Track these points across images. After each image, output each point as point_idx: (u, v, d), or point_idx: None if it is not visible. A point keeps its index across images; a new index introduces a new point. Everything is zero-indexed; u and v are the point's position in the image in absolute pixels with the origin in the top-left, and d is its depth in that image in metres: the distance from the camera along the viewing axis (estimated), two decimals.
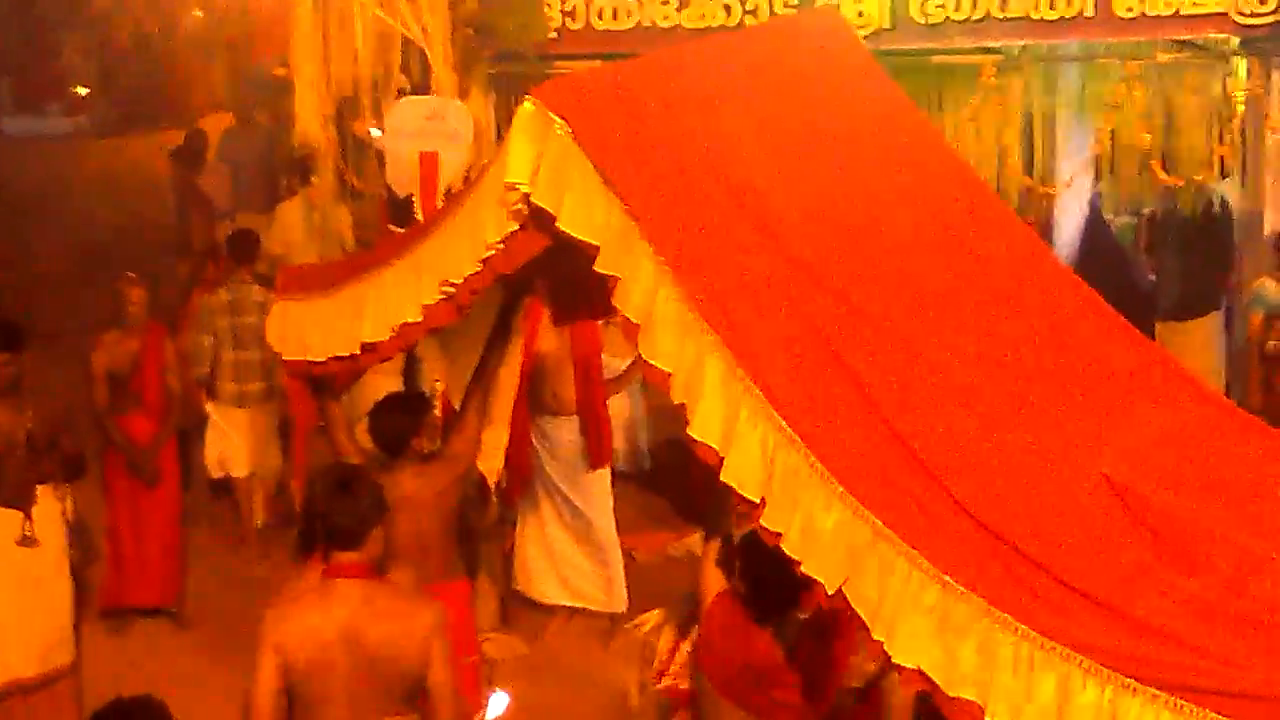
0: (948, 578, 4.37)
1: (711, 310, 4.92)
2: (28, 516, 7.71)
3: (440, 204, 9.54)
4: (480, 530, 9.18)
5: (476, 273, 5.61)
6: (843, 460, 4.63)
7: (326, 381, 6.83)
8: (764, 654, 5.40)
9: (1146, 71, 10.00)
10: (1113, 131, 10.23)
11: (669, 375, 4.96)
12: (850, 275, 5.19)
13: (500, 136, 9.85)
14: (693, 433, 4.86)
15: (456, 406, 7.49)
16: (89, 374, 9.47)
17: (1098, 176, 11.01)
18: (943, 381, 4.96)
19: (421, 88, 9.94)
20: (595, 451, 9.04)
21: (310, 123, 10.32)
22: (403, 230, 9.65)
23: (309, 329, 6.42)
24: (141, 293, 9.71)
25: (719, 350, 4.84)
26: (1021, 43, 10.14)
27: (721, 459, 4.79)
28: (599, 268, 5.17)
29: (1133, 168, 10.36)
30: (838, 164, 5.62)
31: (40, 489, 7.94)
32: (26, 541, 7.72)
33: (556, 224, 5.25)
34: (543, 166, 5.25)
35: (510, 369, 7.16)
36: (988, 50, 10.13)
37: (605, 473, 9.21)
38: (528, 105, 5.31)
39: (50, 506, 7.98)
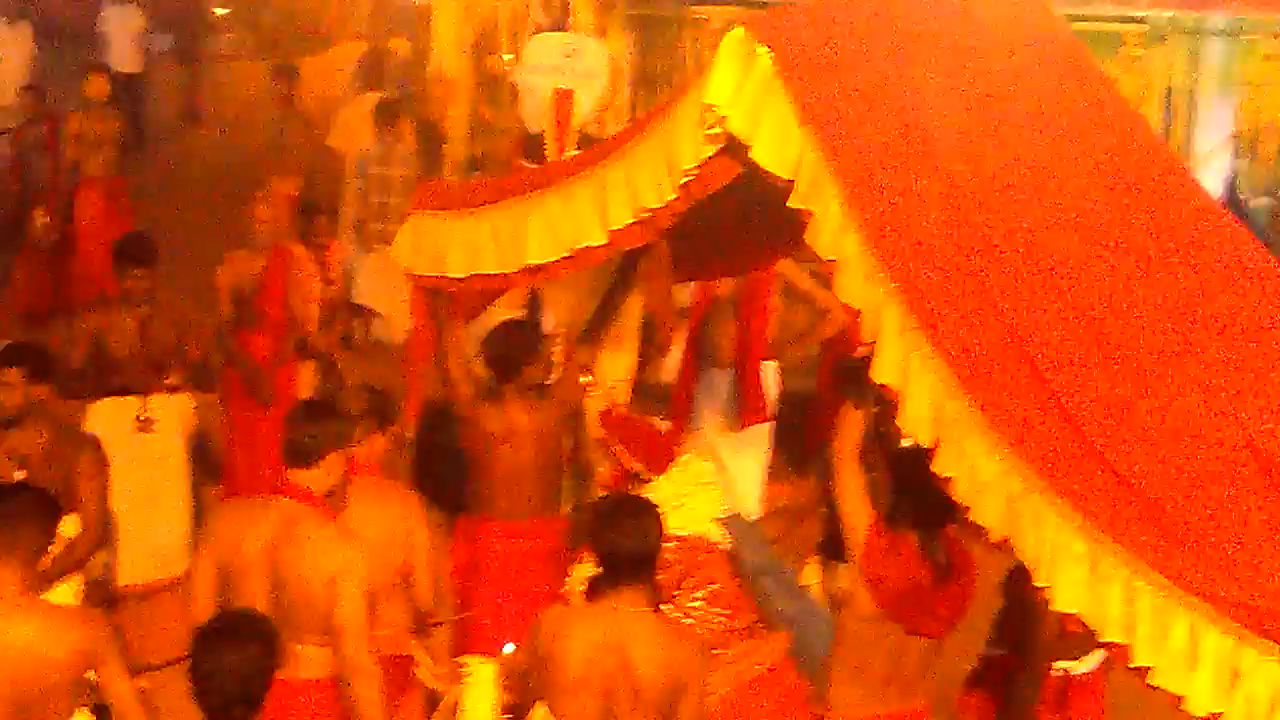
0: (1093, 528, 4.46)
1: (890, 258, 4.94)
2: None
3: (573, 143, 9.62)
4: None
5: (675, 198, 5.56)
6: (1002, 411, 4.70)
7: (451, 308, 6.81)
8: (925, 572, 5.45)
9: None
10: (1255, 110, 10.07)
11: (859, 313, 5.00)
12: (1022, 233, 5.21)
13: (636, 77, 9.91)
14: (875, 374, 4.91)
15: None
16: (214, 290, 9.58)
17: (1236, 155, 10.85)
18: (1102, 340, 5.01)
19: (560, 25, 9.93)
20: (746, 408, 8.90)
21: (447, 54, 10.35)
22: (533, 166, 9.75)
23: (449, 245, 6.35)
24: (269, 212, 9.78)
25: (895, 297, 4.87)
26: (1168, 14, 9.99)
27: (900, 401, 4.86)
28: (792, 203, 5.15)
29: (1273, 148, 10.20)
30: (1022, 122, 5.56)
31: (165, 397, 8.08)
32: (144, 425, 7.83)
33: (750, 154, 5.23)
34: (743, 94, 5.22)
35: (632, 314, 7.10)
36: (1132, 19, 10.00)
37: (760, 430, 8.94)
38: (737, 31, 5.29)
39: (174, 414, 8.11)
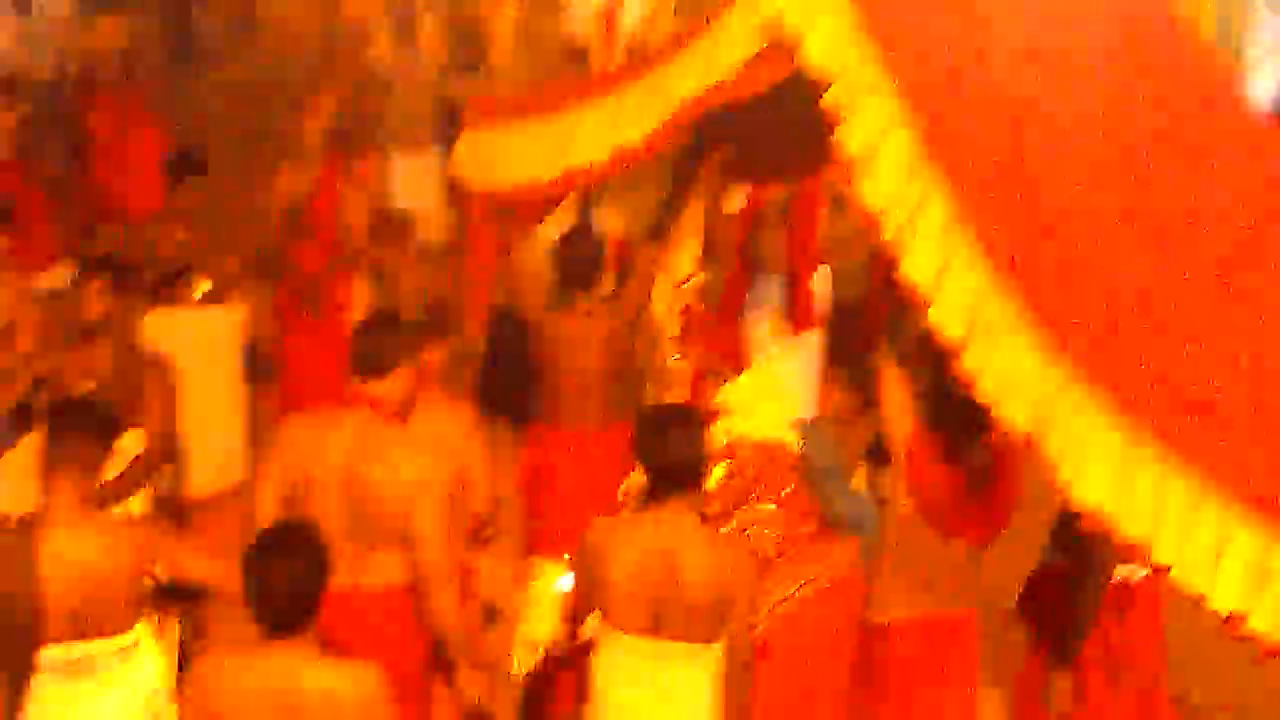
0: (1130, 423, 4.49)
1: (942, 154, 4.95)
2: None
3: (620, 57, 9.59)
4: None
5: (711, 91, 5.59)
6: (1041, 307, 4.72)
7: (512, 217, 6.81)
8: (967, 480, 5.52)
9: None
10: None
11: (882, 211, 4.99)
12: (1075, 139, 5.23)
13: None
14: (907, 272, 4.91)
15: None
16: (267, 202, 9.60)
17: None
18: (1151, 241, 5.04)
19: None
20: (797, 314, 8.82)
21: None
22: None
23: (503, 155, 6.41)
24: (318, 124, 9.79)
25: (943, 193, 4.87)
26: None
27: (929, 300, 4.87)
28: (827, 100, 5.16)
29: None
30: (1086, 52, 5.56)
31: (218, 309, 8.15)
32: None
33: (800, 47, 5.23)
34: None
35: (694, 218, 7.12)
36: None
37: (811, 337, 8.85)
38: None
39: (227, 325, 8.19)
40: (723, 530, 5.92)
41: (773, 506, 6.08)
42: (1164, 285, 4.94)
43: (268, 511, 5.50)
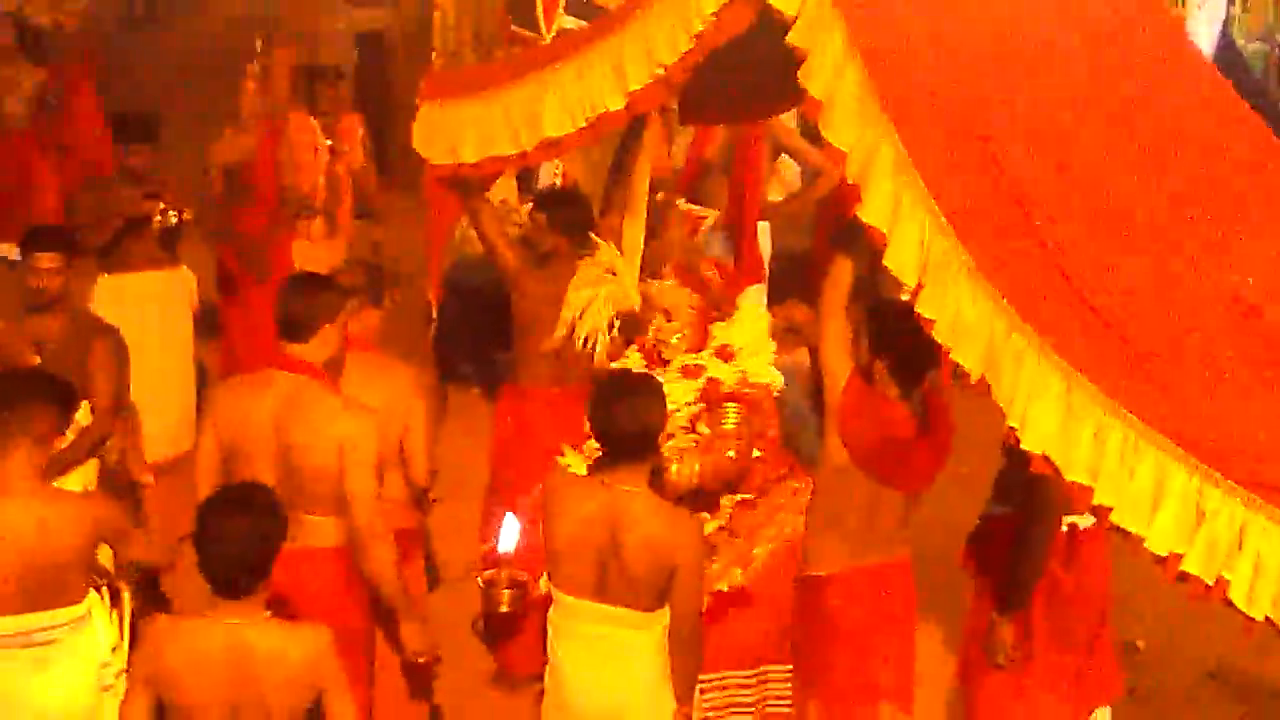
0: (1071, 368, 4.51)
1: (891, 96, 4.96)
2: None
3: (562, 7, 9.52)
4: None
5: (690, 49, 5.57)
6: (989, 254, 4.74)
7: (471, 184, 6.79)
8: (902, 425, 5.56)
9: None
10: None
11: (845, 155, 5.01)
12: (1022, 91, 5.25)
13: None
14: (863, 215, 4.92)
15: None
16: (205, 165, 9.55)
17: (1229, 2, 10.76)
18: (1094, 193, 5.05)
19: None
20: (742, 266, 8.72)
21: None
22: (524, 31, 9.68)
23: (461, 130, 6.41)
24: (256, 85, 9.73)
25: (891, 137, 4.89)
26: None
27: (886, 243, 4.88)
28: (791, 39, 5.16)
29: None
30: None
31: (169, 273, 8.10)
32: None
33: None
34: None
35: (644, 161, 7.08)
36: None
37: (757, 290, 8.85)
38: None
39: (178, 290, 8.14)
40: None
41: (760, 452, 6.09)
42: (1104, 236, 4.95)
43: (207, 477, 5.53)
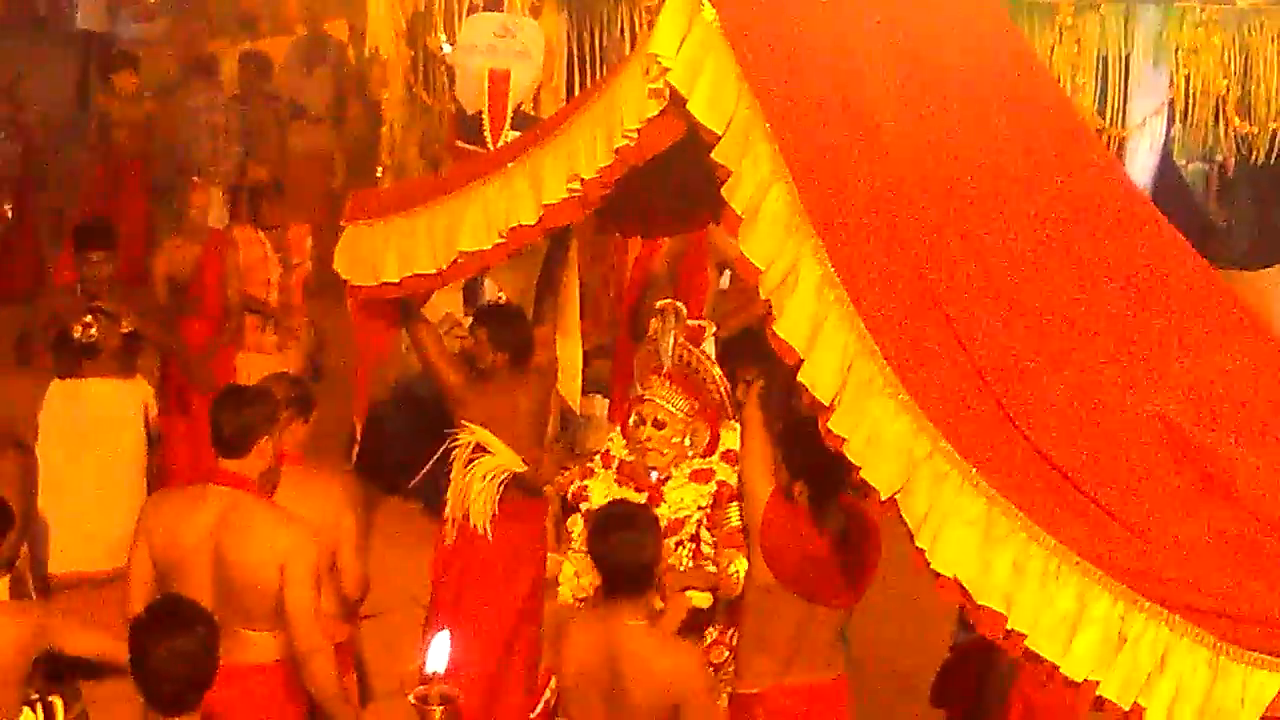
0: (994, 492, 4.52)
1: (817, 214, 4.99)
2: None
3: (508, 124, 9.58)
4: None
5: (609, 165, 5.60)
6: (915, 373, 4.75)
7: (407, 306, 6.78)
8: (822, 544, 5.54)
9: (1226, 17, 9.86)
10: (1188, 76, 10.09)
11: (760, 271, 5.02)
12: (946, 205, 5.29)
13: (572, 57, 9.86)
14: (778, 330, 4.93)
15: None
16: (149, 278, 9.52)
17: (1171, 121, 10.86)
18: (1020, 310, 5.09)
19: (494, 4, 9.87)
20: None
21: (383, 35, 10.29)
22: (471, 147, 9.71)
23: (384, 251, 6.40)
24: (204, 198, 9.75)
25: (818, 254, 4.92)
26: None
27: (801, 360, 4.88)
28: (715, 156, 5.21)
29: (1207, 114, 10.23)
30: (953, 96, 5.65)
31: (122, 382, 8.03)
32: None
33: (686, 105, 5.27)
34: (685, 47, 5.28)
35: (571, 277, 7.10)
36: None
37: None
38: None
39: (131, 401, 8.06)
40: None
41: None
42: (1033, 356, 4.97)
43: (140, 593, 5.46)
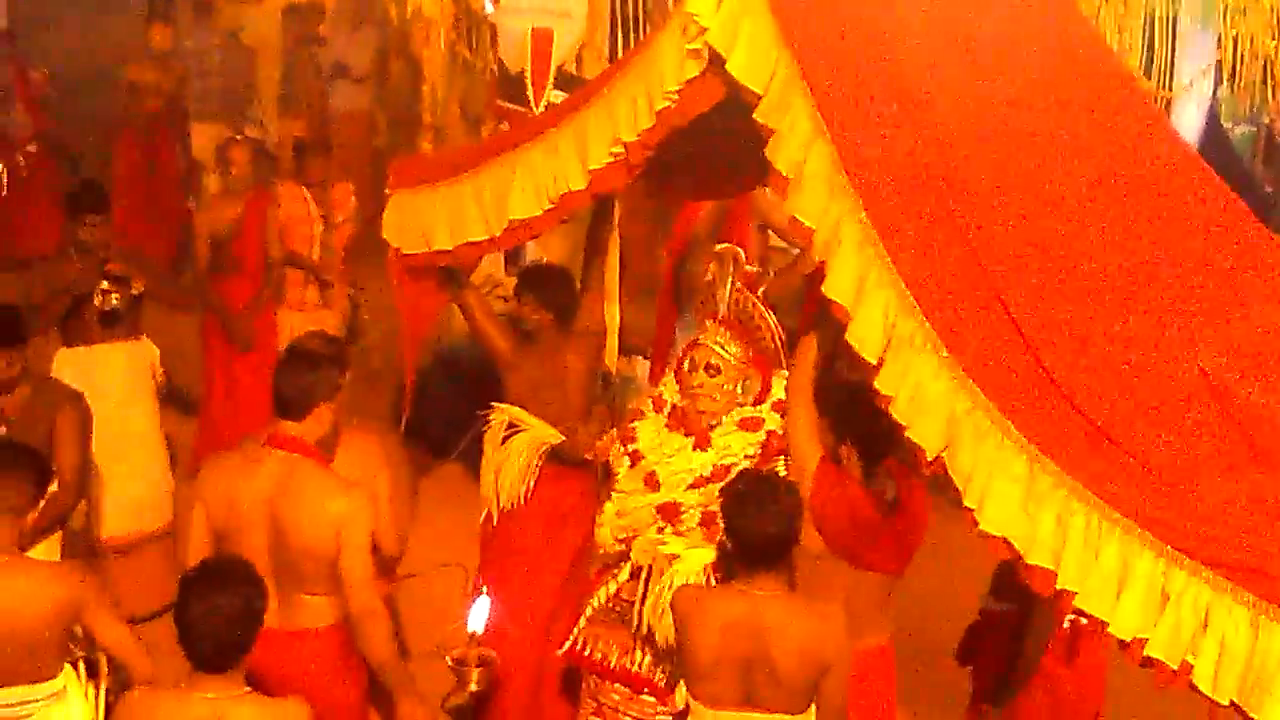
0: (1034, 449, 4.51)
1: (857, 172, 4.98)
2: None
3: (550, 83, 9.57)
4: None
5: (650, 127, 5.57)
6: (954, 331, 4.74)
7: (454, 272, 6.76)
8: (871, 506, 5.49)
9: None
10: (1236, 37, 10.01)
11: (812, 231, 5.01)
12: (990, 162, 5.24)
13: (614, 16, 9.84)
14: (826, 289, 4.93)
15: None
16: (192, 235, 9.52)
17: (1218, 83, 10.79)
18: (1063, 267, 5.05)
19: None
20: None
21: None
22: (513, 107, 9.70)
23: (434, 218, 6.38)
24: (246, 155, 9.73)
25: (858, 213, 4.91)
26: None
27: (849, 318, 4.88)
28: (758, 117, 5.19)
29: (1255, 75, 10.15)
30: (998, 59, 5.59)
31: (129, 345, 8.05)
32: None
33: (725, 66, 5.25)
34: (723, 6, 5.26)
35: (613, 239, 7.07)
36: None
37: None
38: None
39: (140, 362, 8.07)
40: None
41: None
42: (1075, 313, 4.94)
43: (194, 555, 5.43)
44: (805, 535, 5.51)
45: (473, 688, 5.57)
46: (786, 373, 5.87)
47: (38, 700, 5.26)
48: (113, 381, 7.93)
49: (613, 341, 7.61)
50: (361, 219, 9.82)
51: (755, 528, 5.04)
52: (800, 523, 5.15)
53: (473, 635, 5.59)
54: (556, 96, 9.27)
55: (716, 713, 5.12)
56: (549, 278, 7.14)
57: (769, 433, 5.86)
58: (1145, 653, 4.31)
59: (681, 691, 5.29)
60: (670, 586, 5.62)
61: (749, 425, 5.90)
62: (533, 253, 9.45)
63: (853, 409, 5.31)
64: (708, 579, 5.62)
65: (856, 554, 5.51)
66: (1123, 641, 4.35)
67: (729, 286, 5.99)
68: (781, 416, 5.84)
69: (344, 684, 5.54)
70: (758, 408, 5.92)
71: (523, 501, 6.76)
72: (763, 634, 5.01)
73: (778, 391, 5.93)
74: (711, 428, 5.89)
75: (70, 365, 7.88)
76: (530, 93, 9.65)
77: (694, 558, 5.68)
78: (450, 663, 5.59)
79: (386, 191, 6.76)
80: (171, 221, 12.98)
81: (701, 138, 5.78)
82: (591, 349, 6.97)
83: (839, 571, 5.52)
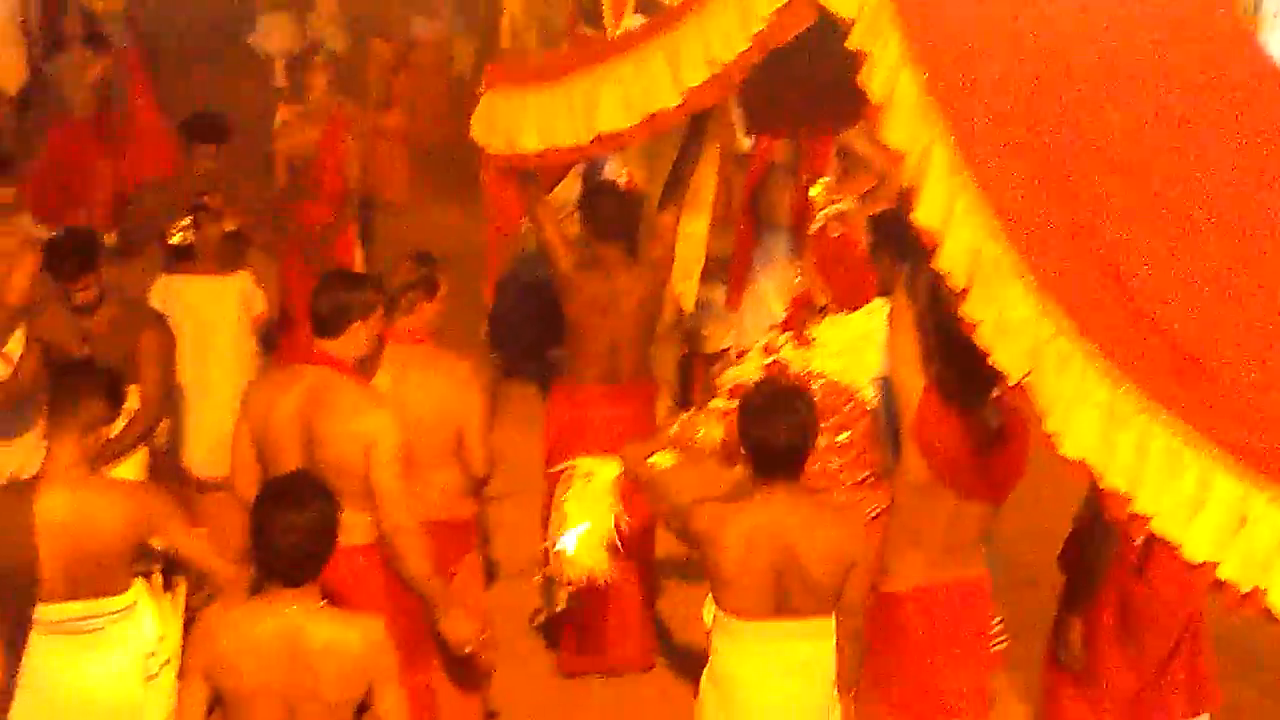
0: (1117, 372, 4.49)
1: (945, 99, 4.96)
2: None
3: (630, 8, 9.51)
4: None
5: (746, 50, 5.57)
6: (1039, 257, 4.71)
7: (533, 179, 6.78)
8: (978, 436, 5.48)
9: None
10: None
11: (903, 156, 5.01)
12: (1082, 91, 5.20)
13: None
14: (917, 216, 4.92)
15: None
16: (270, 159, 9.54)
17: None
18: (1152, 196, 5.00)
19: None
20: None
21: None
22: (592, 32, 9.67)
23: (522, 121, 6.38)
24: (322, 79, 9.73)
25: (946, 139, 4.89)
26: None
27: (939, 244, 4.88)
28: (850, 43, 5.19)
29: None
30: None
31: (229, 278, 8.09)
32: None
33: None
34: None
35: (708, 167, 7.03)
36: None
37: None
38: None
39: (238, 296, 8.12)
40: None
41: (822, 444, 5.94)
42: (1160, 240, 4.90)
43: (243, 471, 5.54)
44: (908, 463, 5.50)
45: (561, 605, 5.61)
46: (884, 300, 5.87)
47: (108, 614, 5.32)
48: (196, 317, 7.99)
49: (697, 265, 7.56)
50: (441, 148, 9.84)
51: (772, 438, 5.05)
52: (815, 433, 5.17)
53: (559, 554, 5.62)
54: (635, 22, 9.22)
55: (748, 623, 5.14)
56: (611, 196, 7.14)
57: (774, 362, 6.05)
58: (1216, 575, 4.29)
59: (710, 608, 5.30)
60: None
61: (769, 351, 6.12)
62: (612, 173, 9.41)
63: (956, 337, 5.20)
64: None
65: (963, 483, 5.50)
66: (1194, 565, 4.33)
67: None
68: (802, 349, 5.90)
69: (385, 602, 5.48)
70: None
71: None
72: (788, 542, 5.03)
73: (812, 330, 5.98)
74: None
75: (162, 293, 7.95)
76: (608, 18, 9.61)
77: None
78: (539, 581, 5.62)
79: (478, 91, 6.75)
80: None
81: (799, 69, 5.77)
82: (655, 278, 6.98)
83: (942, 500, 5.52)
